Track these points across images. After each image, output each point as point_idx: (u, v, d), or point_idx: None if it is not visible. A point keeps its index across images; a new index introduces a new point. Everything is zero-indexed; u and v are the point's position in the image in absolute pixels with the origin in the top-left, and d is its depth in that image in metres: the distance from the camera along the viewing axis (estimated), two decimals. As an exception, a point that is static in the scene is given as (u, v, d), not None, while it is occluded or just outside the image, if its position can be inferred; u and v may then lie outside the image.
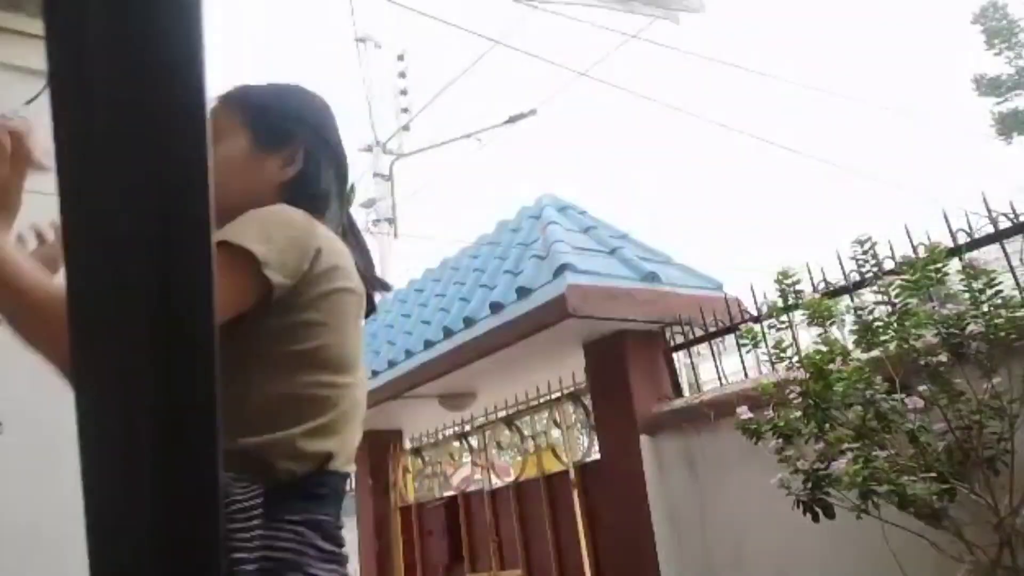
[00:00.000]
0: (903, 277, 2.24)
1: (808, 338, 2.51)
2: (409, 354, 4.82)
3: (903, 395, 2.13)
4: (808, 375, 2.33)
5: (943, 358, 2.10)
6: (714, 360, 3.51)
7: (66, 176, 0.28)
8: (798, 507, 2.24)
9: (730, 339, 3.46)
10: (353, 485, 6.92)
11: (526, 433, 4.77)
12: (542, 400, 4.59)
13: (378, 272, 1.17)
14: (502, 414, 4.92)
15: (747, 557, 3.11)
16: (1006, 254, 2.46)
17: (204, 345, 0.30)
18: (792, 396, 2.35)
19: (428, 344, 4.61)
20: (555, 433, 4.61)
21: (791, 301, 2.49)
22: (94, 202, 0.28)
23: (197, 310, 0.29)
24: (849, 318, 2.39)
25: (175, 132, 0.29)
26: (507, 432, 4.97)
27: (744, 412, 2.45)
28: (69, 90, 0.28)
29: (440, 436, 5.46)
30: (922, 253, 2.24)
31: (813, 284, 2.75)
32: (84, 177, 0.28)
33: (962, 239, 2.54)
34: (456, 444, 5.31)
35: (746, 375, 3.28)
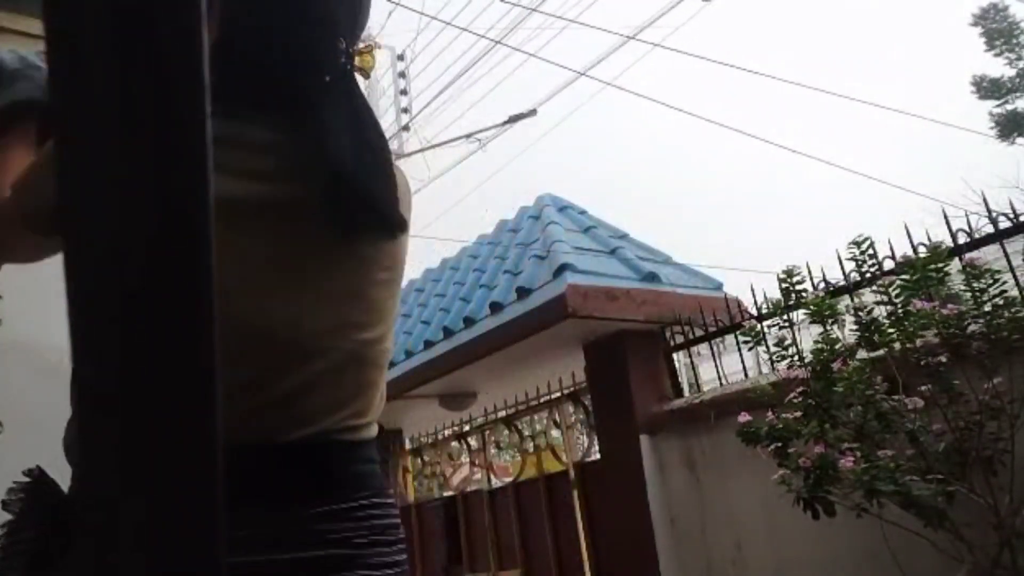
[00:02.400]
0: (903, 277, 2.24)
1: (808, 338, 2.51)
2: (409, 354, 4.83)
3: (903, 395, 2.13)
4: (810, 374, 2.33)
5: (943, 358, 2.10)
6: (714, 360, 3.51)
7: (66, 177, 0.28)
8: (798, 504, 2.24)
9: (730, 339, 3.46)
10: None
11: (526, 433, 4.77)
12: (542, 400, 4.59)
13: None
14: (502, 414, 4.92)
15: (747, 557, 3.11)
16: (1006, 254, 2.46)
17: (205, 345, 0.30)
18: (793, 396, 2.35)
19: (428, 344, 4.61)
20: (555, 433, 4.61)
21: (793, 300, 2.49)
22: (94, 204, 0.28)
23: (198, 316, 0.29)
24: (850, 318, 2.39)
25: (176, 130, 0.29)
26: (507, 432, 4.98)
27: (744, 417, 2.46)
28: (69, 90, 0.28)
29: (440, 436, 5.46)
30: (923, 253, 2.25)
31: (813, 284, 2.75)
32: (84, 178, 0.28)
33: (962, 239, 2.54)
34: (456, 444, 5.31)
35: (746, 375, 3.28)
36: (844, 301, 2.55)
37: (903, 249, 2.50)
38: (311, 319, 0.78)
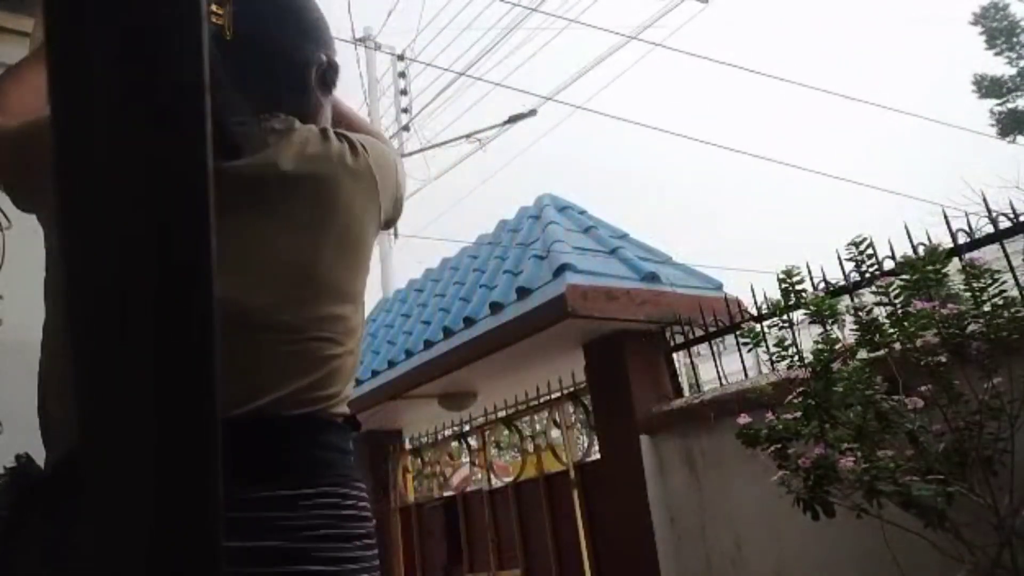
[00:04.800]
0: (903, 277, 2.24)
1: (808, 338, 2.51)
2: (409, 354, 4.82)
3: (903, 395, 2.13)
4: (810, 374, 2.33)
5: (943, 358, 2.10)
6: (714, 360, 3.51)
7: (65, 177, 0.28)
8: (798, 505, 2.24)
9: (730, 339, 3.46)
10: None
11: (526, 433, 4.77)
12: (542, 400, 4.59)
13: None
14: (502, 414, 4.92)
15: (747, 557, 3.11)
16: (1006, 254, 2.46)
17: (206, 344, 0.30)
18: (793, 396, 2.35)
19: (428, 344, 4.61)
20: (555, 433, 4.61)
21: (793, 300, 2.49)
22: (93, 202, 0.28)
23: (199, 314, 0.29)
24: (849, 318, 2.39)
25: (176, 128, 0.29)
26: (507, 432, 4.97)
27: (743, 419, 2.46)
28: (69, 90, 0.28)
29: (440, 436, 5.46)
30: (922, 253, 2.24)
31: (813, 284, 2.75)
32: (83, 177, 0.28)
33: (962, 239, 2.54)
34: (455, 444, 5.31)
35: (746, 375, 3.28)
36: (844, 301, 2.55)
37: (903, 249, 2.51)
38: (242, 294, 0.76)
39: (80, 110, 0.28)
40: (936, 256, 2.18)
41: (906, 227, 2.57)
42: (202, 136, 0.29)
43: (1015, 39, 12.75)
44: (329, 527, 0.74)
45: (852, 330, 2.36)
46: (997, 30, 12.81)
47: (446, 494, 5.40)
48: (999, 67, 12.88)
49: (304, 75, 0.92)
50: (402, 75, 10.45)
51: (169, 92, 0.29)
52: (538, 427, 4.73)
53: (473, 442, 5.15)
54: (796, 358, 2.43)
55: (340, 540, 0.74)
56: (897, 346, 2.22)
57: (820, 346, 2.34)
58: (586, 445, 4.51)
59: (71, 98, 0.28)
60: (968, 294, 2.13)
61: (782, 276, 2.51)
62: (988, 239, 2.50)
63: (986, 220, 2.52)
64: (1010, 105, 12.77)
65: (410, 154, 10.21)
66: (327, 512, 0.74)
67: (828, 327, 2.36)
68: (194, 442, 0.30)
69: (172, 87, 0.29)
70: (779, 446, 2.34)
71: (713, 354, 3.53)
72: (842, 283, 2.78)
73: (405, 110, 10.35)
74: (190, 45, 0.28)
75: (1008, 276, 2.23)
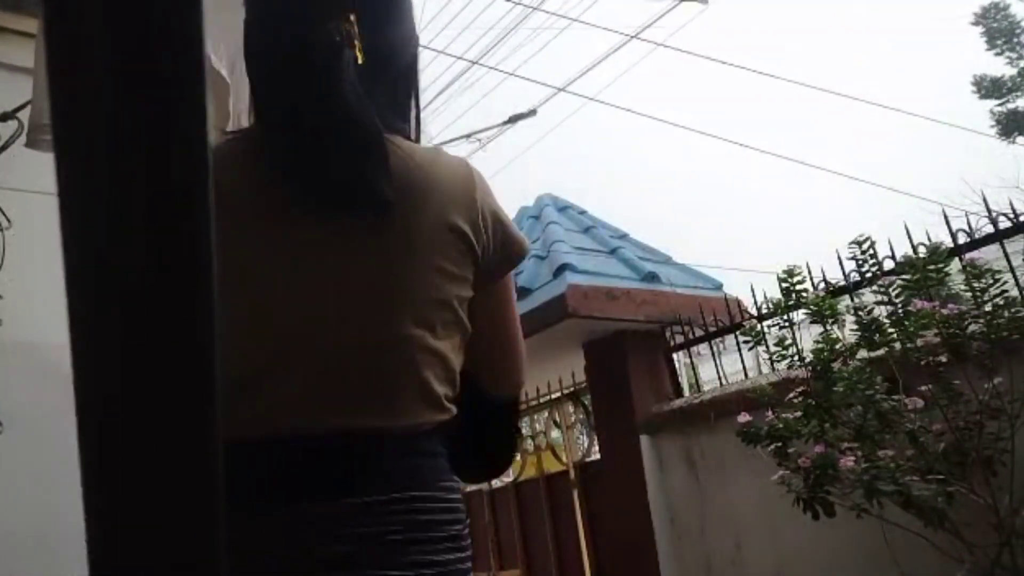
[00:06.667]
0: (903, 277, 2.24)
1: (808, 338, 2.52)
2: (409, 354, 4.82)
3: (903, 395, 2.14)
4: (810, 373, 2.33)
5: (944, 358, 2.10)
6: (714, 360, 3.51)
7: (65, 177, 0.28)
8: (798, 505, 2.24)
9: (730, 339, 3.46)
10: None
11: (526, 433, 4.77)
12: (542, 400, 4.59)
13: None
14: (502, 414, 4.91)
15: (747, 557, 3.11)
16: (1006, 254, 2.46)
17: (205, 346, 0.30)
18: (793, 395, 2.35)
19: (428, 344, 4.61)
20: (555, 433, 4.61)
21: (793, 300, 2.49)
22: (94, 203, 0.28)
23: (199, 320, 0.29)
24: (850, 318, 2.39)
25: (177, 125, 0.29)
26: (507, 432, 4.97)
27: (744, 418, 2.46)
28: (69, 88, 0.28)
29: (440, 436, 5.46)
30: (923, 253, 2.25)
31: (813, 284, 2.75)
32: (84, 178, 0.28)
33: (962, 239, 2.54)
34: (456, 444, 5.30)
35: (746, 375, 3.28)
36: (844, 301, 2.55)
37: (903, 249, 2.51)
38: (321, 311, 0.77)
39: (82, 108, 0.28)
40: (936, 256, 2.18)
41: (906, 227, 2.57)
42: (202, 131, 0.29)
43: (1015, 39, 12.76)
44: (414, 530, 0.74)
45: (852, 330, 2.36)
46: (997, 30, 12.81)
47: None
48: (1000, 67, 12.90)
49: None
50: (402, 75, 10.44)
51: (169, 88, 0.29)
52: (538, 427, 4.73)
53: (473, 442, 5.14)
54: (796, 358, 2.44)
55: (426, 543, 0.74)
56: (897, 346, 2.22)
57: (820, 346, 2.34)
58: (586, 445, 4.51)
59: (72, 96, 0.28)
60: (968, 294, 2.13)
61: (783, 276, 2.51)
62: (988, 239, 2.51)
63: (986, 220, 2.53)
64: (1010, 106, 12.77)
65: (410, 154, 10.19)
66: (414, 517, 0.74)
67: (828, 327, 2.36)
68: (194, 457, 0.30)
69: (173, 84, 0.29)
70: (779, 445, 2.34)
71: (713, 354, 3.53)
72: (842, 283, 2.78)
73: (405, 110, 10.33)
74: (190, 39, 0.28)
75: (1008, 276, 2.23)
